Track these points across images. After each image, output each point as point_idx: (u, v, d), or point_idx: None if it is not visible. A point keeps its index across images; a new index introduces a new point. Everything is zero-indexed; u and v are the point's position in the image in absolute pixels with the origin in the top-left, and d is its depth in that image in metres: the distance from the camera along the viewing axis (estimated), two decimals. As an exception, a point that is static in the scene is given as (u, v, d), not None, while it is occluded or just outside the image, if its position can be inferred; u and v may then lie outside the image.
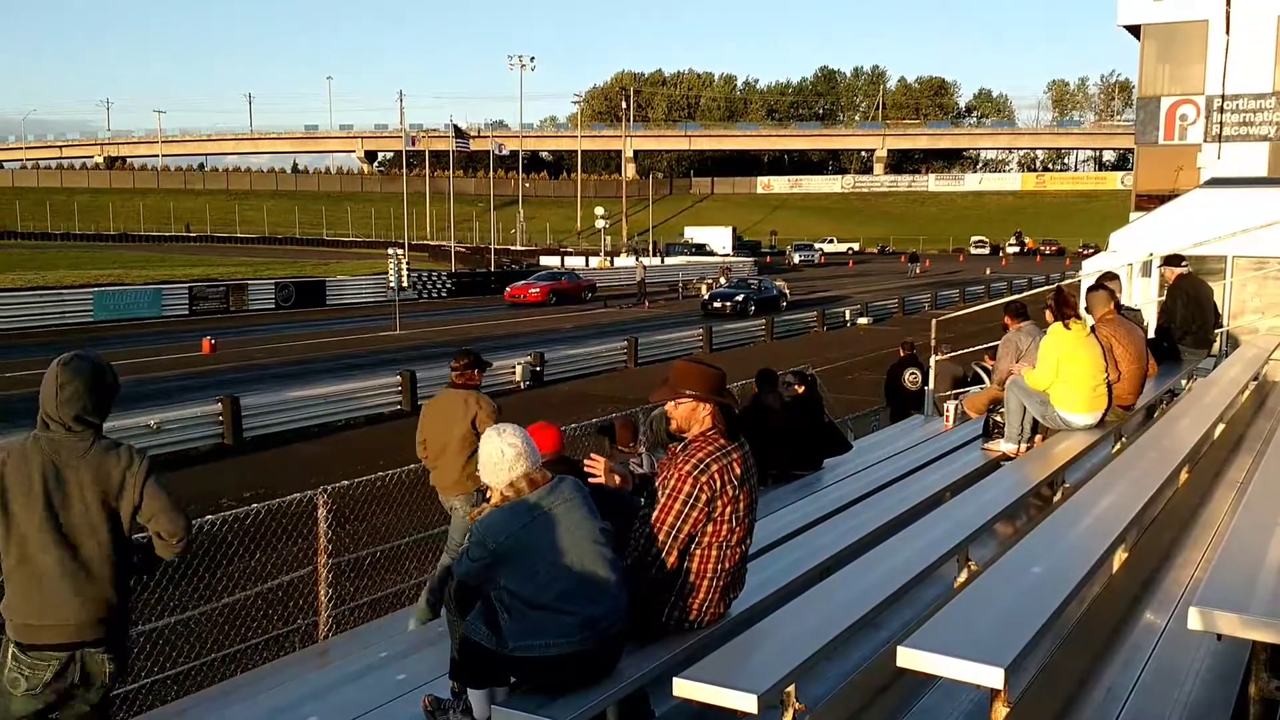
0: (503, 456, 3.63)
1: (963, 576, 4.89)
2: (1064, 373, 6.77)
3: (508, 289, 42.54)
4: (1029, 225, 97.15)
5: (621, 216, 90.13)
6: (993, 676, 2.94)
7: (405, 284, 33.40)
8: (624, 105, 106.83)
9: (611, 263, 62.75)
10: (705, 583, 3.77)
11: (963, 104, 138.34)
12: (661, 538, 3.71)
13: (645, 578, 3.74)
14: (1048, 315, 6.95)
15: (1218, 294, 10.97)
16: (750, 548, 3.98)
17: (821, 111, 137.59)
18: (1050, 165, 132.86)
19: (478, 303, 42.49)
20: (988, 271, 59.93)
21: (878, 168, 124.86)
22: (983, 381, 11.74)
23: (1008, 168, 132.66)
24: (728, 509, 3.73)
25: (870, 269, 69.51)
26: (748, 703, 3.04)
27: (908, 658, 3.07)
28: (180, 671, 6.93)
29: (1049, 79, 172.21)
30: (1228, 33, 19.01)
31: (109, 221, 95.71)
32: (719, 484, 3.70)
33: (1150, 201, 18.95)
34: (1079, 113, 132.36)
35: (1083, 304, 7.88)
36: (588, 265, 60.00)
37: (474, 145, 63.30)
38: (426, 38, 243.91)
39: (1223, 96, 19.46)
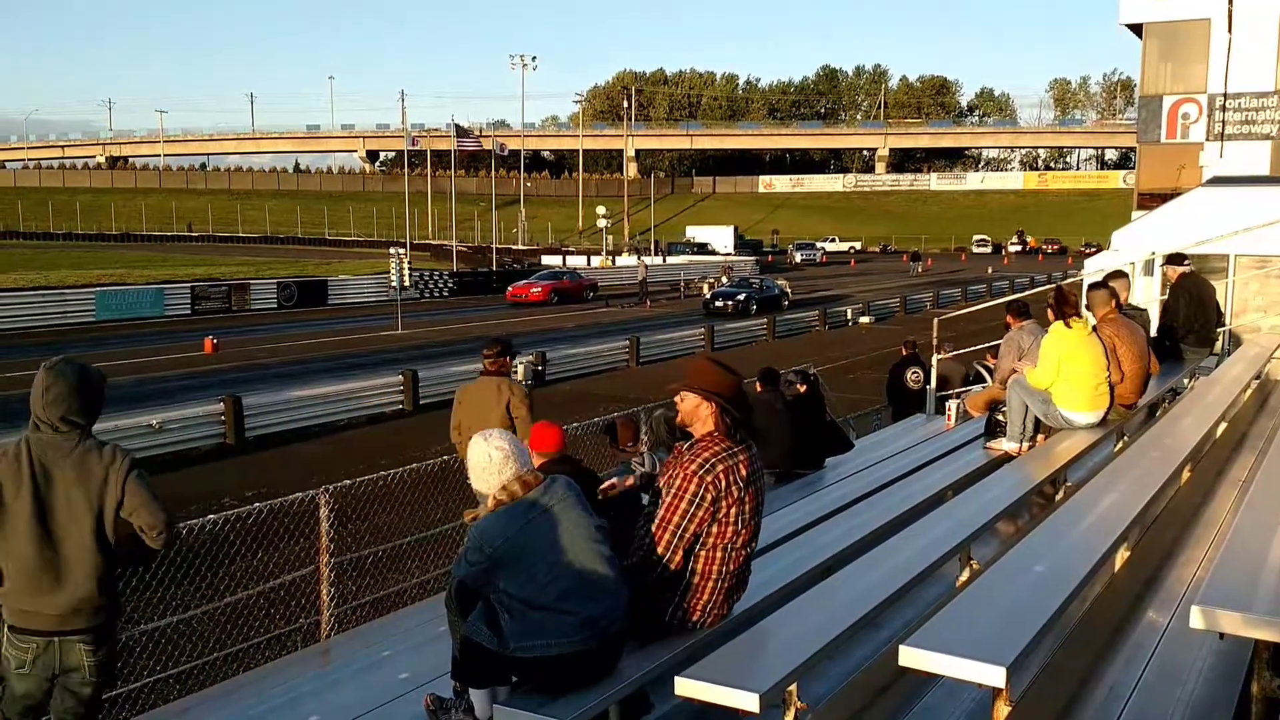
0: (490, 461, 3.63)
1: (965, 575, 4.89)
2: (1065, 371, 6.77)
3: (509, 288, 42.55)
4: (1031, 224, 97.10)
5: (623, 216, 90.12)
6: (995, 675, 2.93)
7: (407, 283, 33.41)
8: (626, 104, 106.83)
9: (613, 262, 62.70)
10: (710, 584, 3.75)
11: (964, 103, 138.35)
12: (667, 537, 3.69)
13: (649, 577, 3.72)
14: (1049, 314, 6.95)
15: (1220, 293, 10.95)
16: (755, 550, 3.97)
17: (823, 111, 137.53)
18: (1052, 164, 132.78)
19: (479, 302, 42.50)
20: (990, 270, 59.87)
21: (879, 167, 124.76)
22: (984, 380, 11.73)
23: (1010, 167, 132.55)
24: (733, 510, 3.71)
25: (872, 268, 69.47)
26: (750, 702, 3.04)
27: (910, 657, 3.06)
28: (182, 670, 6.93)
29: (1051, 78, 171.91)
30: (1230, 31, 19.00)
31: (111, 221, 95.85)
32: (724, 484, 3.68)
33: (1152, 200, 18.94)
34: (1081, 111, 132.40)
35: (1084, 302, 7.87)
36: (589, 265, 60.02)
37: (473, 145, 63.17)
38: (428, 37, 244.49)
39: (1225, 95, 19.45)
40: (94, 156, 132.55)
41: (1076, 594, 3.65)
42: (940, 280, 51.68)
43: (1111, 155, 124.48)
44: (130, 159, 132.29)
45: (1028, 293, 20.33)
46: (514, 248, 76.43)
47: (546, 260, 63.73)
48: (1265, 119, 19.41)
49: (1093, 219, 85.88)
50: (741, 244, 79.87)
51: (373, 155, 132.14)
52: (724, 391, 3.79)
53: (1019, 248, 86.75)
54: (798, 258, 75.89)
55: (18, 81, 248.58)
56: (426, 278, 45.22)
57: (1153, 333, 9.22)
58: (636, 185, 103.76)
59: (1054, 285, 7.50)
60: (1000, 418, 7.66)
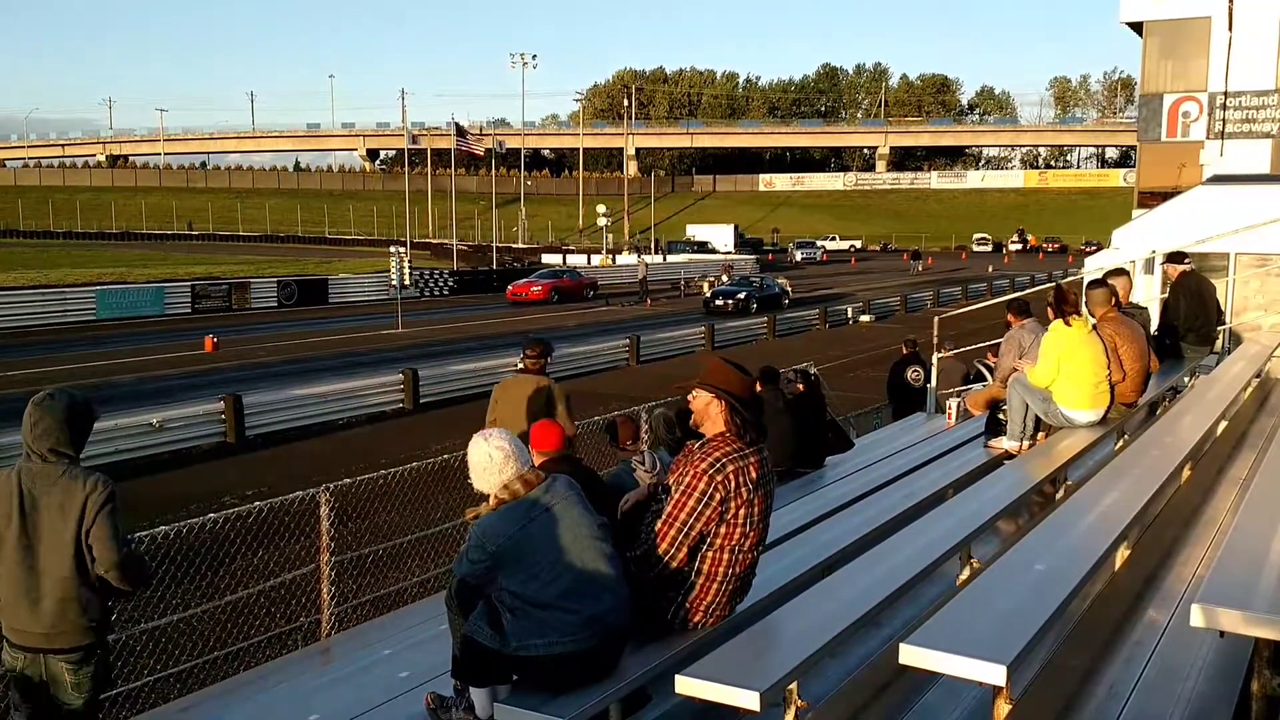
0: (491, 460, 3.63)
1: (965, 574, 4.89)
2: (1066, 370, 6.77)
3: (510, 287, 42.54)
4: (1031, 222, 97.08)
5: (623, 214, 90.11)
6: (995, 674, 2.94)
7: (407, 282, 33.42)
8: (626, 103, 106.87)
9: (613, 261, 62.74)
10: (714, 585, 3.74)
11: (965, 101, 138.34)
12: (671, 534, 3.68)
13: (652, 574, 3.71)
14: (1048, 313, 6.95)
15: (1220, 291, 10.96)
16: (761, 553, 3.96)
17: (824, 109, 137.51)
18: (1053, 162, 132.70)
19: (479, 301, 42.50)
20: (990, 269, 59.88)
21: (880, 165, 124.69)
22: (985, 379, 11.73)
23: (1010, 165, 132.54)
24: (741, 512, 3.69)
25: (872, 266, 69.45)
26: (750, 700, 3.04)
27: (910, 655, 3.06)
28: (183, 669, 6.94)
29: (1051, 76, 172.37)
30: (1230, 29, 18.99)
31: (111, 220, 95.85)
32: (733, 485, 3.67)
33: (1153, 198, 18.94)
34: (1081, 110, 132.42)
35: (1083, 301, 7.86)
36: (589, 263, 60.04)
37: (476, 146, 63.11)
38: (428, 36, 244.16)
39: (1225, 93, 19.45)
40: (94, 155, 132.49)
41: (1077, 592, 3.65)
42: (941, 279, 51.66)
43: (1112, 154, 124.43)
44: (130, 158, 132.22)
45: (1028, 291, 20.31)
46: (514, 246, 76.44)
47: (547, 259, 63.74)
48: (1266, 117, 19.40)
49: (1093, 217, 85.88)
50: (742, 242, 79.93)
51: (373, 154, 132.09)
52: (734, 390, 3.78)
53: (1019, 246, 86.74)
54: (798, 256, 75.91)
55: (18, 80, 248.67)
56: (427, 276, 45.22)
57: (1153, 331, 9.22)
58: (637, 184, 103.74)
59: (1054, 284, 7.50)
60: (1001, 416, 7.66)
